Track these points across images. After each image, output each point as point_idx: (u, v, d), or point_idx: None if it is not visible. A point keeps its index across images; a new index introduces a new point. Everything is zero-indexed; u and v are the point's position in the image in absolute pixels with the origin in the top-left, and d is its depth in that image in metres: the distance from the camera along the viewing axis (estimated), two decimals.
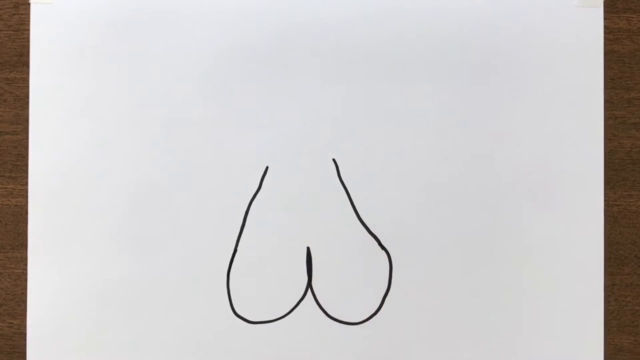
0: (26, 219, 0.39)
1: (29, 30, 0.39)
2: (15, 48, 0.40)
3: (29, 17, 0.39)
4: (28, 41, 0.39)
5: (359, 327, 0.39)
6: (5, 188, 0.40)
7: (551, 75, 0.39)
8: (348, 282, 0.39)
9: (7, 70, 0.40)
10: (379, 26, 0.39)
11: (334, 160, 0.39)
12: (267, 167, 0.39)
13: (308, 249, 0.39)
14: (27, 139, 0.39)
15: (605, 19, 0.39)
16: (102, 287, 0.39)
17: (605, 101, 0.39)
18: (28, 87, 0.39)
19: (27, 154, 0.39)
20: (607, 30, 0.39)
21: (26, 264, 0.39)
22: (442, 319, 0.36)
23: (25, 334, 0.39)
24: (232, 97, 0.39)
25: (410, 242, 0.38)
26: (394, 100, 0.39)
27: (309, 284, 0.39)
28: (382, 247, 0.39)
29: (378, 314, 0.39)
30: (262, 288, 0.39)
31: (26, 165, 0.39)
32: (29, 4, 0.39)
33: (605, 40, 0.39)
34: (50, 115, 0.39)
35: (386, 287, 0.39)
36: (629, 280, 0.40)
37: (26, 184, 0.39)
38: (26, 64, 0.39)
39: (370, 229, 0.39)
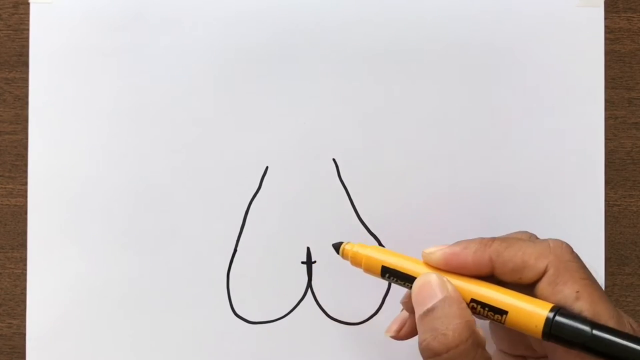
0: (25, 218, 0.39)
1: (28, 30, 0.39)
2: (14, 48, 0.40)
3: (28, 17, 0.39)
4: (27, 41, 0.39)
5: (359, 327, 0.39)
6: (5, 188, 0.40)
7: (551, 75, 0.39)
8: (348, 282, 0.39)
9: (7, 70, 0.40)
10: (379, 26, 0.39)
11: (334, 160, 0.39)
12: (267, 167, 0.39)
13: (308, 249, 0.39)
14: (27, 138, 0.39)
15: (605, 18, 0.39)
16: (102, 287, 0.39)
17: (606, 101, 0.39)
18: (27, 86, 0.39)
19: (26, 153, 0.39)
20: (608, 30, 0.39)
21: (26, 264, 0.39)
22: None
23: (25, 334, 0.39)
24: (232, 97, 0.39)
25: (410, 242, 0.38)
26: (394, 99, 0.39)
27: (309, 284, 0.39)
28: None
29: (378, 314, 0.39)
30: (262, 288, 0.39)
31: (25, 165, 0.39)
32: (28, 3, 0.39)
33: (606, 40, 0.39)
34: (50, 115, 0.39)
35: (386, 287, 0.39)
36: (630, 281, 0.40)
37: (25, 183, 0.39)
38: (26, 64, 0.39)
39: (370, 229, 0.39)
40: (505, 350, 0.33)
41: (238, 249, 0.39)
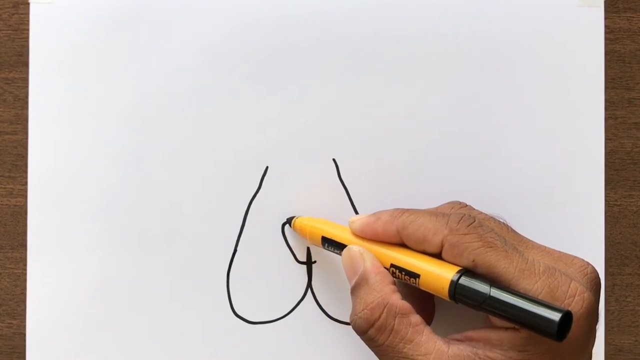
0: (25, 219, 0.39)
1: (28, 30, 0.39)
2: (14, 48, 0.40)
3: (28, 17, 0.39)
4: (27, 41, 0.39)
5: None
6: (5, 188, 0.40)
7: (551, 75, 0.39)
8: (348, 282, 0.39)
9: (7, 70, 0.40)
10: (379, 26, 0.39)
11: (334, 160, 0.39)
12: (267, 167, 0.39)
13: (308, 249, 0.39)
14: (27, 138, 0.39)
15: (605, 18, 0.39)
16: (102, 287, 0.39)
17: (606, 101, 0.39)
18: (27, 87, 0.39)
19: (26, 154, 0.39)
20: (608, 30, 0.39)
21: (25, 264, 0.39)
22: (442, 317, 0.36)
23: (25, 334, 0.39)
24: (231, 97, 0.39)
25: None
26: (394, 99, 0.39)
27: (309, 284, 0.39)
28: None
29: None
30: (262, 288, 0.39)
31: (25, 165, 0.39)
32: (28, 3, 0.39)
33: (606, 40, 0.39)
34: (50, 115, 0.39)
35: None
36: (630, 281, 0.40)
37: (25, 184, 0.39)
38: (26, 64, 0.39)
39: None
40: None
41: (238, 249, 0.39)
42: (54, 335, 0.39)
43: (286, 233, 0.39)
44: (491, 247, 0.30)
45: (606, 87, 0.39)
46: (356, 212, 0.39)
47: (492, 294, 0.28)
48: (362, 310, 0.31)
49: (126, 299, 0.39)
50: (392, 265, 0.32)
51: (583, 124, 0.39)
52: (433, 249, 0.31)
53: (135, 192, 0.39)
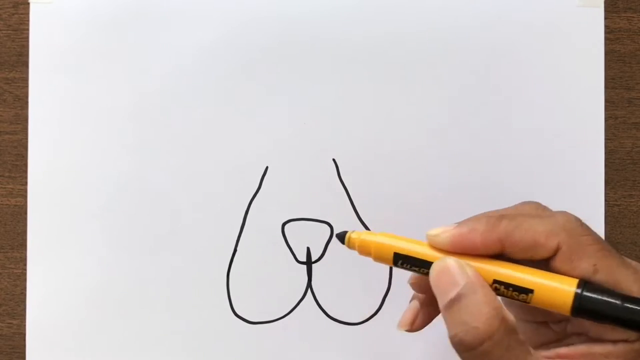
0: (25, 218, 0.39)
1: (28, 30, 0.39)
2: (14, 48, 0.40)
3: (28, 17, 0.39)
4: (27, 41, 0.39)
5: (359, 327, 0.39)
6: (5, 188, 0.40)
7: (551, 75, 0.39)
8: (348, 282, 0.39)
9: (7, 70, 0.40)
10: (380, 26, 0.39)
11: (334, 160, 0.39)
12: (267, 167, 0.39)
13: (308, 249, 0.39)
14: (27, 138, 0.39)
15: (605, 18, 0.39)
16: (101, 287, 0.39)
17: (606, 101, 0.39)
18: (27, 86, 0.39)
19: (26, 153, 0.39)
20: (608, 30, 0.39)
21: (25, 264, 0.39)
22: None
23: (25, 334, 0.39)
24: (232, 97, 0.39)
25: None
26: (394, 99, 0.39)
27: (309, 284, 0.39)
28: None
29: (378, 314, 0.39)
30: (262, 288, 0.39)
31: (26, 165, 0.39)
32: (28, 3, 0.39)
33: (606, 40, 0.39)
34: (50, 115, 0.39)
35: (386, 287, 0.39)
36: None
37: (25, 183, 0.39)
38: (26, 64, 0.39)
39: (370, 229, 0.39)
40: (526, 319, 0.32)
41: (238, 249, 0.39)
42: (54, 335, 0.39)
43: (286, 233, 0.39)
44: (608, 250, 0.28)
45: (606, 87, 0.39)
46: (356, 212, 0.39)
47: (626, 305, 0.26)
48: (476, 320, 0.27)
49: (126, 299, 0.39)
50: (495, 282, 0.28)
51: (583, 124, 0.39)
52: (545, 254, 0.28)
53: (135, 192, 0.39)
